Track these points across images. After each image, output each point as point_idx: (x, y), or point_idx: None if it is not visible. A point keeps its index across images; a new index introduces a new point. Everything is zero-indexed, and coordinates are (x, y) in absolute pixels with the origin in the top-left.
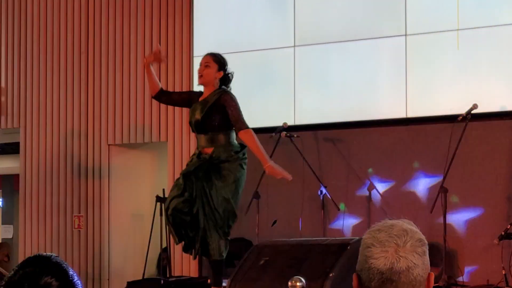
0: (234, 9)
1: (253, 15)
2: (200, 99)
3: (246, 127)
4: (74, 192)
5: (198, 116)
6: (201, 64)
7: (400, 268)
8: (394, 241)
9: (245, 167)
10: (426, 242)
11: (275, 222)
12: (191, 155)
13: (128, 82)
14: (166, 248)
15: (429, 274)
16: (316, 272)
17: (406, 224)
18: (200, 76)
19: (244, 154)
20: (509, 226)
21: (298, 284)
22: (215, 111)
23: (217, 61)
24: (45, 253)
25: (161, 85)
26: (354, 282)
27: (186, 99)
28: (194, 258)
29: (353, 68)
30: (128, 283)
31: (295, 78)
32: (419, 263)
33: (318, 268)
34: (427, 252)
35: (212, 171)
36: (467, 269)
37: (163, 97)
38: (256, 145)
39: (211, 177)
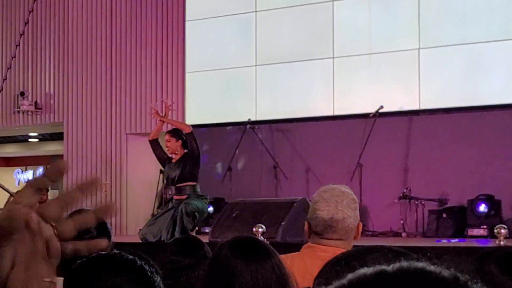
0: (215, 37)
1: (228, 42)
2: (173, 161)
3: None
4: (102, 166)
5: (174, 174)
6: (165, 141)
7: (338, 218)
8: (335, 199)
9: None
10: (357, 200)
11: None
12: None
13: (140, 90)
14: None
15: (358, 223)
16: (272, 222)
17: (344, 187)
18: (168, 149)
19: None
20: (405, 190)
21: (260, 230)
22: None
23: (173, 135)
24: (85, 207)
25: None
26: (306, 227)
27: (162, 158)
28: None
29: (297, 80)
30: (140, 229)
31: (256, 87)
32: (351, 215)
33: (273, 219)
34: (358, 208)
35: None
36: (376, 220)
37: (153, 144)
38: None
39: None
